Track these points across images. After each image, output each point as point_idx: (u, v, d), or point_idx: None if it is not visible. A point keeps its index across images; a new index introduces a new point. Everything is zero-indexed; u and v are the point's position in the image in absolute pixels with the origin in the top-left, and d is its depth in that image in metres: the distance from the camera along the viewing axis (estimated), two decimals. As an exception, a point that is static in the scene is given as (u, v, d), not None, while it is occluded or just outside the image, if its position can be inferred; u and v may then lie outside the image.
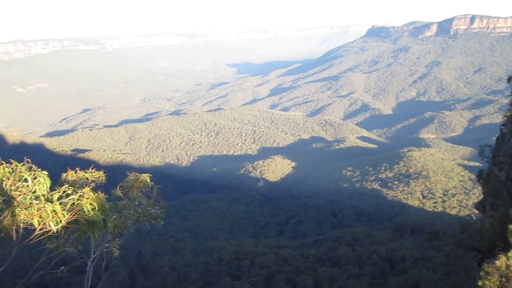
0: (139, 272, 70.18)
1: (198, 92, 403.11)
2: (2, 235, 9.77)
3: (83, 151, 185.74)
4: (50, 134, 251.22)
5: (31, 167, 9.15)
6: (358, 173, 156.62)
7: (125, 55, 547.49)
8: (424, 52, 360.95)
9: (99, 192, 9.60)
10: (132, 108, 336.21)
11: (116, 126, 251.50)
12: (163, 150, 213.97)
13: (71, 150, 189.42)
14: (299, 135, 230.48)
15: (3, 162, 9.37)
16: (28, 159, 9.43)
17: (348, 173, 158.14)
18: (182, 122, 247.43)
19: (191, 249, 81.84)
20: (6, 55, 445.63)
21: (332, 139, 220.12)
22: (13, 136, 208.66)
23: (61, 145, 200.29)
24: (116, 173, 11.37)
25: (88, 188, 9.37)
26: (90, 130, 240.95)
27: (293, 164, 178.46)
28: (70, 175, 11.04)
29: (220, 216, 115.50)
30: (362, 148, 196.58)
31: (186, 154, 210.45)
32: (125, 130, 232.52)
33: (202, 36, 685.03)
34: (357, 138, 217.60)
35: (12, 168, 9.15)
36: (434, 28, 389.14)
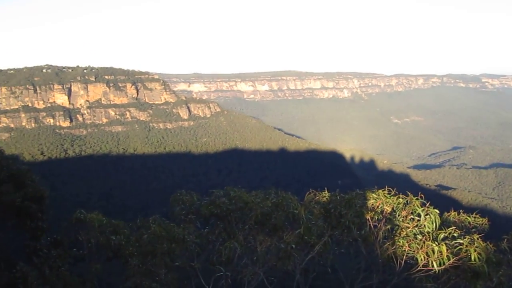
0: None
1: None
2: (380, 261, 10.24)
3: (447, 188, 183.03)
4: (417, 167, 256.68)
5: (424, 203, 9.29)
6: None
7: (506, 96, 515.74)
8: None
9: (487, 242, 9.04)
10: (506, 152, 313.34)
11: (485, 168, 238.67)
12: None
13: (435, 186, 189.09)
14: None
15: (399, 193, 9.82)
16: (422, 195, 9.61)
17: None
18: None
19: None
20: (388, 87, 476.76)
21: None
22: (383, 163, 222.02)
23: (426, 179, 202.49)
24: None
25: (477, 235, 8.92)
26: (457, 168, 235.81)
27: None
28: (452, 215, 10.79)
29: None
30: None
31: None
32: (495, 174, 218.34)
33: None
34: None
35: (406, 201, 9.49)
36: None
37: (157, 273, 13.86)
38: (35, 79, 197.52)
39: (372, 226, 9.90)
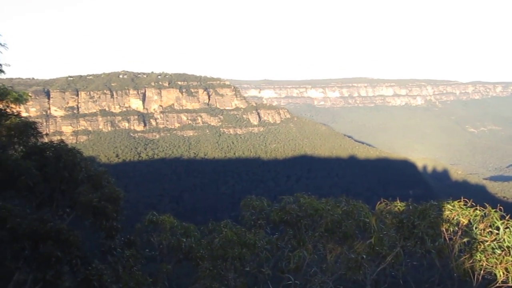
0: None
1: None
2: (456, 275, 9.88)
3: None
4: (494, 178, 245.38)
5: (504, 216, 8.89)
6: None
7: None
8: None
9: None
10: None
11: None
12: None
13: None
14: None
15: (476, 205, 9.45)
16: (501, 207, 9.20)
17: None
18: None
19: None
20: (464, 95, 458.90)
21: None
22: (457, 174, 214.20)
23: (503, 191, 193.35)
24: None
25: None
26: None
27: None
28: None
29: None
30: None
31: None
32: None
33: None
34: None
35: (484, 213, 9.13)
36: None
37: (226, 277, 14.06)
38: (112, 84, 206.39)
39: (447, 238, 9.59)
